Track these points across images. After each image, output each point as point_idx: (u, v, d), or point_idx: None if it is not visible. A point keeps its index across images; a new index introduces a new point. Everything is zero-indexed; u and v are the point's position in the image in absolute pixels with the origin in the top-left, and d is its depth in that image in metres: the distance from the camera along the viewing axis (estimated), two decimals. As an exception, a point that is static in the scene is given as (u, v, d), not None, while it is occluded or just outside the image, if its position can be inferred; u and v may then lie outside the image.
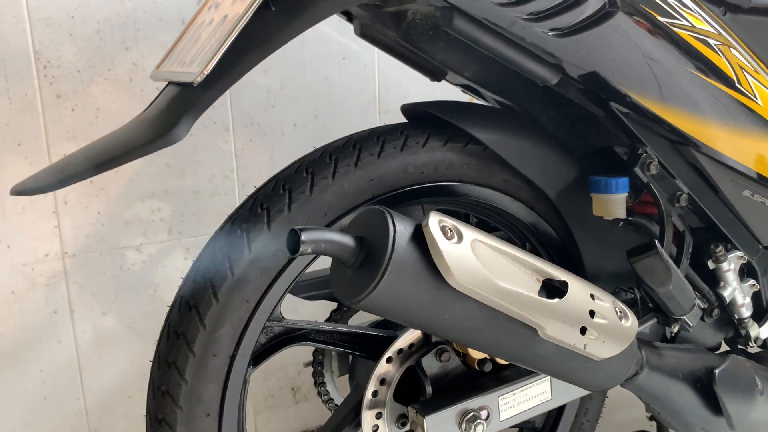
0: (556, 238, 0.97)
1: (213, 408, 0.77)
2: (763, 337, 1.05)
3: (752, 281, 1.03)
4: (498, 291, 0.63)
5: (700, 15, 0.79)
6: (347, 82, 1.39)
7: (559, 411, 1.07)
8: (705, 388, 0.87)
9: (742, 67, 0.84)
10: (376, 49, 1.28)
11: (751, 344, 1.06)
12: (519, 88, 0.90)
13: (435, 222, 0.61)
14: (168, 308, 0.79)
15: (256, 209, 0.77)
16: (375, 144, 0.82)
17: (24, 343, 1.20)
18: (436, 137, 0.85)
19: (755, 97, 0.86)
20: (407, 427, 0.86)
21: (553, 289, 0.69)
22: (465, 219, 1.02)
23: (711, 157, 0.90)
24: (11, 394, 1.21)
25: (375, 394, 0.84)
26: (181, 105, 0.66)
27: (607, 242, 0.96)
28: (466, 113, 0.87)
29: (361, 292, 0.59)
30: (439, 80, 0.97)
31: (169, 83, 0.71)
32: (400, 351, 0.85)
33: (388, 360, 0.85)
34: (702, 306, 0.86)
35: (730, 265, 0.98)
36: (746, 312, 1.02)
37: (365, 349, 0.88)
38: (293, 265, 0.78)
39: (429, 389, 0.84)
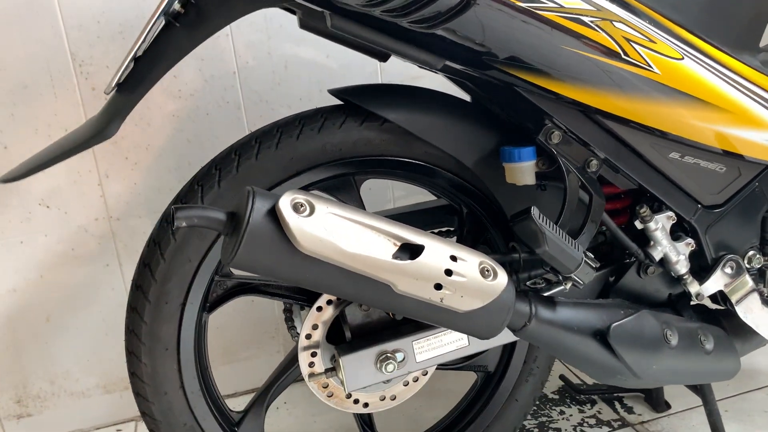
0: (486, 200, 1.06)
1: (171, 344, 0.97)
2: (705, 293, 1.09)
3: (688, 240, 1.06)
4: (345, 255, 0.76)
5: (574, -6, 0.84)
6: (349, 56, 1.51)
7: (509, 357, 1.17)
8: (602, 340, 0.94)
9: (629, 39, 0.87)
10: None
11: (694, 300, 1.10)
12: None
13: (287, 199, 0.75)
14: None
15: (194, 186, 0.94)
16: (295, 127, 0.96)
17: (86, 290, 1.49)
18: (353, 118, 0.97)
19: (650, 66, 0.89)
20: (335, 365, 1.02)
21: (411, 251, 0.80)
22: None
23: (622, 123, 0.95)
24: (80, 330, 1.51)
25: (309, 336, 1.01)
26: (111, 109, 0.84)
27: (530, 204, 1.03)
28: (381, 95, 0.98)
29: (229, 255, 0.75)
30: (384, 61, 1.08)
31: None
32: (329, 301, 1.00)
33: (318, 308, 1.00)
34: (593, 265, 0.92)
35: (658, 225, 1.02)
36: (682, 269, 1.06)
37: (304, 299, 1.04)
38: (230, 231, 0.95)
39: (348, 334, 0.99)
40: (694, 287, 1.07)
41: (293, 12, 1.06)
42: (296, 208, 0.75)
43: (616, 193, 1.10)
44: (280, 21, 1.45)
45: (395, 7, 0.80)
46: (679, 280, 1.08)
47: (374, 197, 1.60)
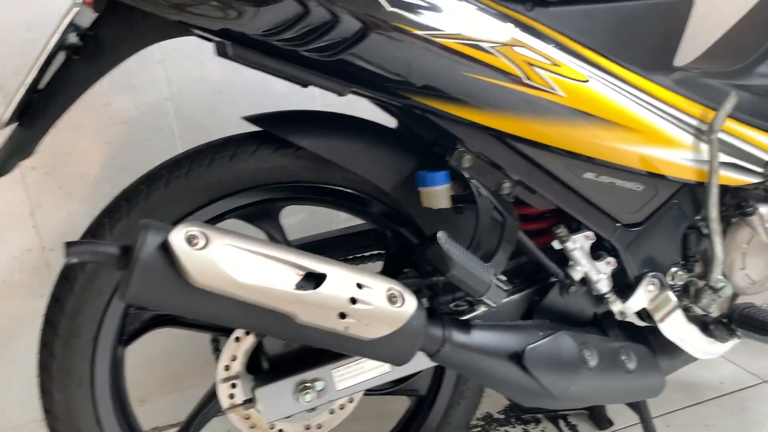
0: (409, 223, 1.06)
1: (84, 379, 0.95)
2: (629, 312, 1.09)
3: (609, 258, 1.06)
4: (241, 287, 0.75)
5: (472, 21, 0.84)
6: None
7: (440, 380, 1.16)
8: (519, 363, 0.94)
9: (531, 64, 0.88)
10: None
11: (623, 319, 1.10)
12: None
13: (179, 232, 0.74)
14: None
15: (102, 219, 0.93)
16: (206, 155, 0.95)
17: (21, 322, 1.46)
18: (267, 145, 0.97)
19: (554, 89, 0.90)
20: (256, 396, 1.00)
21: (316, 280, 0.80)
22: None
23: (533, 146, 0.95)
24: (15, 363, 1.48)
25: (228, 367, 0.99)
26: (11, 145, 0.83)
27: (448, 226, 1.03)
28: (295, 121, 0.97)
29: (123, 292, 0.74)
30: (305, 86, 1.08)
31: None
32: (248, 331, 0.99)
33: (237, 339, 0.99)
34: (505, 288, 0.92)
35: (576, 245, 1.03)
36: (603, 288, 1.06)
37: (221, 329, 1.02)
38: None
39: (266, 365, 0.98)
40: (617, 306, 1.08)
41: (209, 39, 1.06)
42: (190, 240, 0.74)
43: (541, 213, 1.10)
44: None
45: (290, 37, 0.80)
46: (602, 298, 1.08)
47: (317, 221, 1.60)
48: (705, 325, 1.13)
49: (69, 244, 0.72)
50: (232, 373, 1.00)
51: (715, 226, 1.07)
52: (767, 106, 1.15)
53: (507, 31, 0.87)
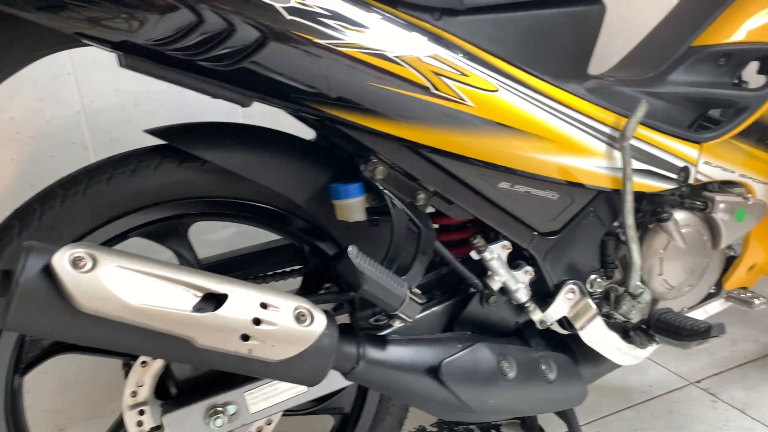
0: (327, 237, 1.03)
1: (-25, 413, 0.89)
2: (549, 320, 1.09)
3: (527, 267, 1.06)
4: (132, 311, 0.70)
5: (376, 30, 0.82)
6: (204, 91, 1.46)
7: (363, 397, 1.13)
8: (436, 377, 0.92)
9: (438, 74, 0.86)
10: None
11: (540, 327, 1.10)
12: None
13: (63, 254, 0.69)
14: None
15: (-9, 240, 0.87)
16: (105, 171, 0.90)
17: None
18: (171, 159, 0.92)
19: (463, 99, 0.89)
20: (164, 423, 0.95)
21: (217, 301, 0.76)
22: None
23: (447, 157, 0.94)
24: None
25: (134, 394, 0.94)
26: None
27: (365, 239, 1.01)
28: (201, 134, 0.94)
29: (2, 318, 0.69)
30: (215, 97, 1.04)
31: None
32: (156, 355, 0.94)
33: (143, 363, 0.94)
34: (419, 301, 0.90)
35: (493, 254, 1.02)
36: (522, 297, 1.05)
37: (126, 354, 0.97)
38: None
39: (173, 390, 0.93)
40: (537, 315, 1.07)
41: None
42: (75, 263, 0.69)
43: (463, 224, 1.09)
44: (128, 57, 1.39)
45: (185, 46, 0.76)
46: (522, 308, 1.07)
47: (249, 235, 1.55)
48: (625, 331, 1.14)
49: (-60, 270, 0.67)
50: (140, 400, 0.94)
51: (632, 232, 1.08)
52: (679, 113, 1.17)
53: (413, 41, 0.85)
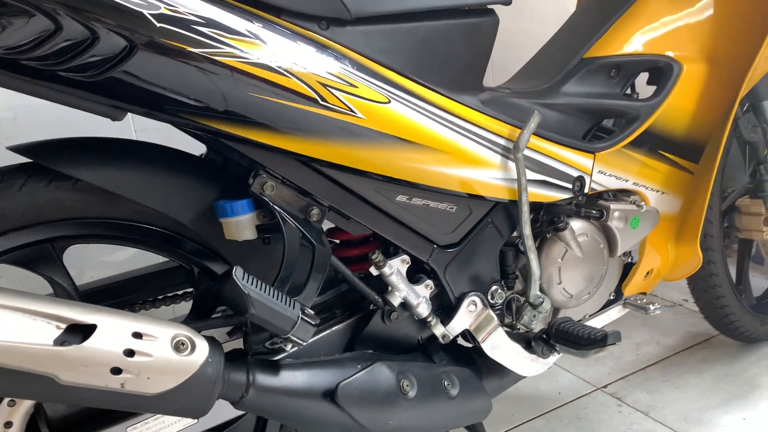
0: (214, 259, 0.98)
1: None
2: (451, 334, 1.07)
3: (427, 281, 1.04)
4: (-19, 348, 0.63)
5: (259, 39, 0.79)
6: (92, 105, 1.38)
7: (264, 425, 1.08)
8: (333, 401, 0.88)
9: (326, 85, 0.83)
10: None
11: (442, 341, 1.08)
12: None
13: None
14: None
15: None
16: (-42, 194, 0.82)
17: None
18: (37, 178, 0.85)
19: (353, 111, 0.86)
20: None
21: (84, 333, 0.70)
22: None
23: (341, 170, 0.91)
24: None
25: (1, 437, 0.86)
26: None
27: (258, 258, 0.97)
28: (74, 150, 0.86)
29: None
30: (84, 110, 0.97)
31: None
32: (25, 392, 0.86)
33: (11, 403, 0.85)
34: (311, 322, 0.86)
35: (392, 269, 0.99)
36: (424, 312, 1.03)
37: (-4, 392, 0.88)
38: None
39: (45, 430, 0.85)
40: (439, 329, 1.05)
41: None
42: None
43: (365, 238, 1.06)
44: None
45: (42, 55, 0.70)
46: (424, 323, 1.05)
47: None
48: (528, 341, 1.14)
49: None
50: (8, 443, 0.86)
51: (529, 242, 1.08)
52: (573, 124, 1.19)
53: (298, 51, 0.82)
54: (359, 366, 0.93)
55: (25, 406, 0.86)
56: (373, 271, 1.00)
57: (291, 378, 0.87)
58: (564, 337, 1.07)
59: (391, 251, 1.02)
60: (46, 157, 0.84)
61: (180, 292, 1.11)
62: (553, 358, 1.15)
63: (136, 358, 0.71)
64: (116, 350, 0.70)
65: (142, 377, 0.72)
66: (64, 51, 0.70)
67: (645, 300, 1.28)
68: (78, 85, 0.74)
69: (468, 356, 1.13)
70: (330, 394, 0.88)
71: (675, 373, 1.66)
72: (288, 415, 0.87)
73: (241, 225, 0.89)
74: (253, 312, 0.80)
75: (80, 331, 0.70)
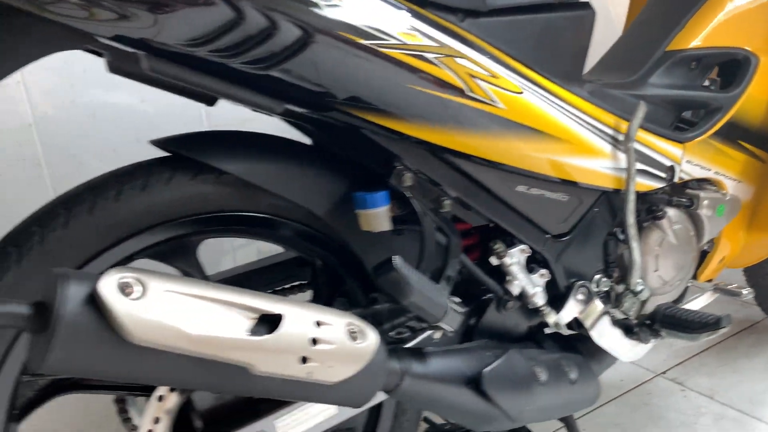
0: (340, 250, 0.98)
1: (-34, 473, 0.77)
2: (562, 322, 1.09)
3: (542, 271, 1.06)
4: (190, 340, 0.63)
5: (417, 30, 0.80)
6: (167, 100, 1.36)
7: (377, 415, 1.09)
8: (476, 387, 0.89)
9: (472, 75, 0.85)
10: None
11: (555, 330, 1.10)
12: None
13: (110, 281, 0.61)
14: None
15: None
16: (111, 188, 0.81)
17: None
18: (183, 171, 0.85)
19: (494, 101, 0.87)
20: (188, 462, 0.87)
21: (269, 323, 0.70)
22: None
23: (470, 161, 0.92)
24: None
25: (150, 432, 0.85)
26: None
27: (388, 250, 0.97)
28: (215, 144, 0.86)
29: (38, 359, 0.59)
30: (211, 105, 0.97)
31: None
32: (172, 387, 0.85)
33: (160, 398, 0.85)
34: (460, 310, 0.87)
35: (513, 259, 1.01)
36: (540, 301, 1.05)
37: (140, 388, 0.88)
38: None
39: (199, 423, 0.85)
40: (551, 317, 1.07)
41: (99, 54, 0.91)
42: (123, 289, 0.61)
43: (467, 230, 1.07)
44: (84, 65, 1.28)
45: (222, 47, 0.70)
46: (536, 311, 1.07)
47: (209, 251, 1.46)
48: (627, 328, 1.16)
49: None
50: (156, 439, 0.85)
51: (633, 231, 1.10)
52: (661, 114, 1.22)
53: (448, 42, 0.83)
54: (489, 354, 0.95)
55: (172, 401, 0.86)
56: (494, 260, 1.01)
57: (439, 366, 0.88)
58: (672, 322, 1.09)
59: (507, 241, 1.04)
60: (193, 150, 0.84)
61: (288, 286, 1.11)
62: (652, 343, 1.18)
63: (319, 347, 0.72)
64: (303, 339, 0.71)
65: (325, 366, 0.72)
66: (241, 43, 0.70)
67: (736, 285, 1.32)
68: (241, 79, 0.74)
69: (570, 343, 1.15)
70: (474, 381, 0.89)
71: (729, 357, 1.70)
72: (436, 402, 0.88)
73: (380, 216, 0.89)
74: (412, 300, 0.81)
75: (269, 322, 0.70)
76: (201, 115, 1.41)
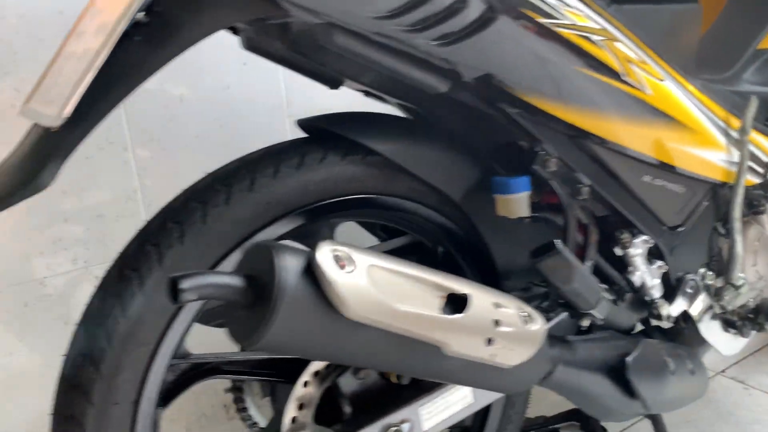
0: (468, 240, 0.96)
1: (121, 458, 0.74)
2: (673, 314, 1.09)
3: (660, 263, 1.05)
4: (397, 315, 0.61)
5: (582, 11, 0.79)
6: (251, 88, 1.34)
7: (486, 408, 1.07)
8: (619, 376, 0.88)
9: (628, 60, 0.84)
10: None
11: (663, 322, 1.09)
12: (420, 92, 0.89)
13: (326, 253, 0.59)
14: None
15: (145, 247, 0.73)
16: (268, 165, 0.79)
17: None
18: (334, 151, 0.83)
19: (643, 86, 0.87)
20: (331, 450, 0.85)
21: (455, 304, 0.68)
22: (373, 229, 1.01)
23: (608, 148, 0.91)
24: None
25: (294, 420, 0.82)
26: (45, 150, 0.62)
27: (517, 239, 0.96)
28: (362, 124, 0.85)
29: (255, 334, 0.57)
30: (336, 88, 0.94)
31: (35, 123, 0.66)
32: (317, 373, 0.83)
33: (305, 384, 0.83)
34: (609, 297, 0.87)
35: (637, 250, 1.00)
36: (657, 293, 1.04)
37: (281, 373, 0.85)
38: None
39: (348, 409, 0.83)
40: (665, 309, 1.07)
41: (236, 32, 0.89)
42: (337, 262, 0.59)
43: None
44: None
45: (409, 22, 0.69)
46: (647, 304, 1.06)
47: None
48: (727, 321, 1.17)
49: (181, 278, 0.55)
50: (299, 424, 0.83)
51: (738, 225, 1.10)
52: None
53: (605, 25, 0.83)
54: (623, 343, 0.94)
55: (315, 387, 0.84)
56: (618, 251, 1.00)
57: (584, 354, 0.87)
58: (780, 315, 1.10)
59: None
60: (345, 129, 0.82)
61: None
62: (751, 337, 1.18)
63: (501, 328, 0.70)
64: (488, 320, 0.69)
65: (507, 348, 0.71)
66: (430, 17, 0.69)
67: (829, 281, 1.33)
68: (418, 56, 0.73)
69: (674, 336, 1.15)
70: (616, 370, 0.88)
71: (786, 357, 1.72)
72: (580, 390, 0.87)
73: (520, 202, 0.88)
74: (574, 285, 0.80)
75: (456, 302, 0.68)
76: (282, 103, 1.38)
